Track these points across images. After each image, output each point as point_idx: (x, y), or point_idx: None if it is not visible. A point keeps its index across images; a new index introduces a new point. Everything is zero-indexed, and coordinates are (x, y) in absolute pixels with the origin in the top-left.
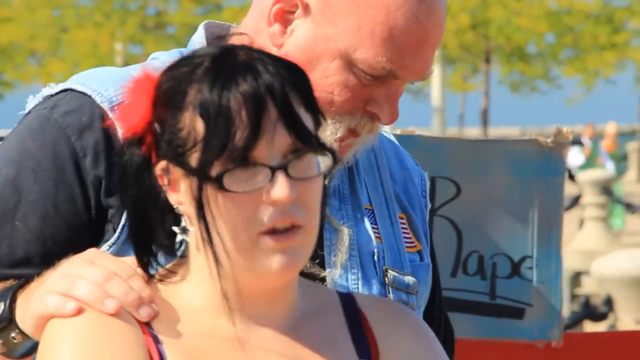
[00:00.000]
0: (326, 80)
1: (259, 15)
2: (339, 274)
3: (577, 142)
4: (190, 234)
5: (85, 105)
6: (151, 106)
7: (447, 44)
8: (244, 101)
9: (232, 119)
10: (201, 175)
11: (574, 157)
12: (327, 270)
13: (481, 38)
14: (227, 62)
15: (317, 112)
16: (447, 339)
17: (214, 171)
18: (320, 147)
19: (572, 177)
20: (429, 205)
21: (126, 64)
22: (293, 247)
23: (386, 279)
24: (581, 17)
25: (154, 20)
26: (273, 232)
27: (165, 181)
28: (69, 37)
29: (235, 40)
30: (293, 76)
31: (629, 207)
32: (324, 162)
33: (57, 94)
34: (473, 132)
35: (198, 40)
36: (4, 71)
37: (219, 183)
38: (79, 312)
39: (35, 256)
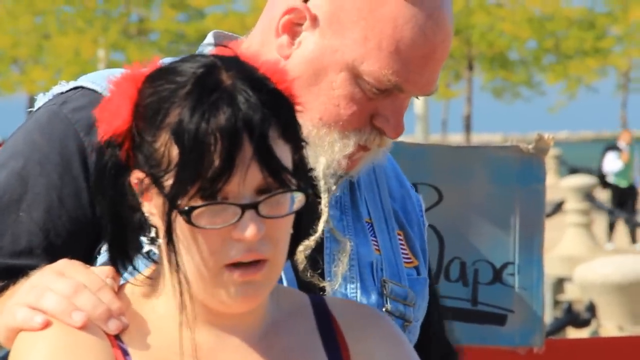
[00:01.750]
0: (332, 93)
1: (266, 26)
2: (339, 284)
3: (613, 147)
4: (158, 245)
5: (95, 102)
6: (131, 114)
7: None
8: (220, 136)
9: (206, 153)
10: (171, 204)
11: (611, 162)
12: (327, 280)
13: (464, 44)
14: (208, 87)
15: (298, 141)
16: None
17: (184, 202)
18: (295, 186)
19: (606, 184)
20: (426, 224)
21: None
22: (257, 280)
23: (384, 290)
24: (564, 23)
25: (137, 27)
26: (237, 264)
27: (139, 190)
28: (51, 44)
29: (221, 51)
30: (276, 105)
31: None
32: (298, 199)
33: (67, 91)
34: (456, 138)
35: (208, 50)
36: None
37: (187, 217)
38: (47, 325)
39: (37, 247)
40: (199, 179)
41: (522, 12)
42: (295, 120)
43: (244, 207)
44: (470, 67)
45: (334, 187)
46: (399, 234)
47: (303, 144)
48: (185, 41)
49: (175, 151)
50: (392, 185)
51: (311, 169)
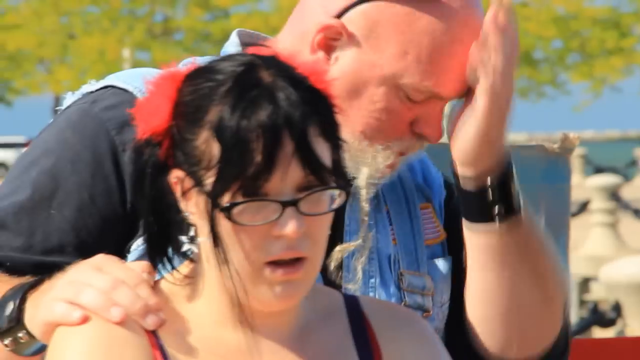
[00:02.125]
0: (373, 106)
1: (299, 37)
2: (359, 278)
3: None
4: (198, 244)
5: (126, 101)
6: (171, 113)
7: None
8: (261, 133)
9: (247, 150)
10: (213, 202)
11: None
12: (345, 273)
13: None
14: (249, 84)
15: (337, 140)
16: None
17: (225, 199)
18: (335, 184)
19: None
20: (444, 194)
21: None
22: (296, 279)
23: (401, 284)
24: (589, 22)
25: (161, 26)
26: (278, 262)
27: (179, 189)
28: (76, 44)
29: (259, 50)
30: (315, 103)
31: (637, 213)
32: (338, 196)
33: (97, 90)
34: None
35: (232, 46)
36: (12, 78)
37: (227, 214)
38: (85, 320)
39: (68, 245)
40: (241, 177)
41: (547, 11)
42: (335, 119)
43: (284, 204)
44: None
45: (367, 202)
46: (426, 207)
47: (342, 143)
48: (210, 40)
49: (216, 149)
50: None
51: (351, 176)
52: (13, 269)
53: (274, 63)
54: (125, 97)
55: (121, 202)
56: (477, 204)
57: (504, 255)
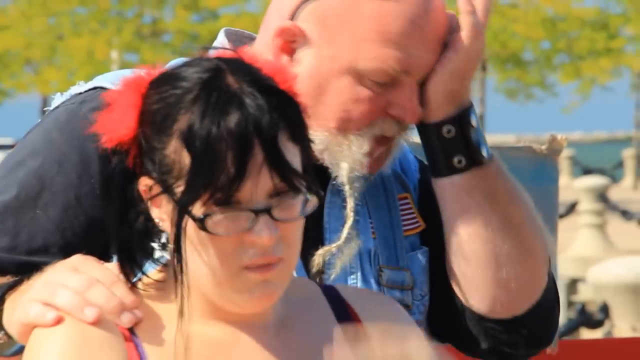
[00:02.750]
0: (340, 99)
1: (265, 44)
2: (339, 276)
3: None
4: (169, 249)
5: None
6: (137, 120)
7: None
8: (231, 142)
9: (218, 159)
10: (181, 211)
11: None
12: (327, 270)
13: None
14: (217, 92)
15: (306, 141)
16: None
17: (197, 209)
18: (305, 188)
19: None
20: (418, 176)
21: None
22: (272, 279)
23: (381, 279)
24: (577, 23)
25: (150, 28)
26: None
27: (148, 196)
28: (64, 45)
29: (223, 53)
30: (283, 107)
31: (625, 214)
32: (310, 201)
33: (86, 91)
34: None
35: (220, 46)
36: (0, 80)
37: (200, 224)
38: (59, 321)
39: (53, 246)
40: (211, 186)
41: (535, 13)
42: (302, 120)
43: (257, 212)
44: (484, 68)
45: (351, 196)
46: (404, 197)
47: (310, 143)
48: (199, 42)
49: (186, 158)
50: None
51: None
52: None
53: (239, 67)
54: None
55: None
56: (442, 155)
57: (472, 205)
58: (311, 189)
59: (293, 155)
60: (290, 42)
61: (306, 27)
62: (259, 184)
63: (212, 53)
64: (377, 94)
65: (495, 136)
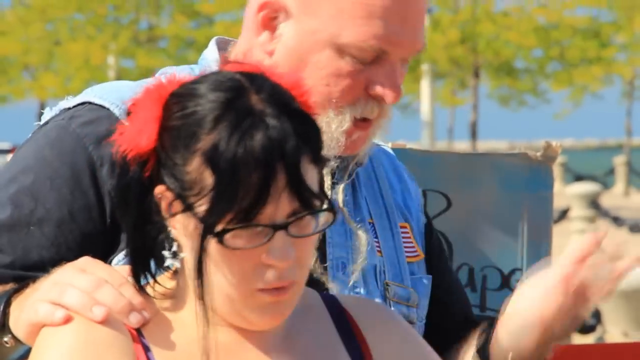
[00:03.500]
0: (320, 73)
1: (248, 29)
2: (343, 288)
3: None
4: (181, 259)
5: (103, 117)
6: (158, 133)
7: (436, 58)
8: (255, 165)
9: (243, 183)
10: (205, 230)
11: None
12: (331, 281)
13: (470, 52)
14: (241, 113)
15: (323, 162)
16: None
17: (218, 227)
18: (322, 208)
19: None
20: (424, 219)
21: (118, 77)
22: (284, 300)
23: (387, 293)
24: (569, 31)
25: (146, 34)
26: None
27: (164, 206)
28: (61, 51)
29: (243, 67)
30: (305, 131)
31: (616, 220)
32: (323, 218)
33: (74, 106)
34: (462, 145)
35: (211, 57)
36: None
37: (219, 239)
38: (68, 320)
39: (48, 261)
40: (235, 207)
41: (528, 21)
42: (322, 143)
43: (275, 228)
44: (477, 75)
45: (341, 183)
46: (404, 227)
47: (326, 162)
48: (195, 48)
49: (209, 177)
50: (391, 178)
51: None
52: None
53: (261, 85)
54: (101, 112)
55: (101, 217)
56: None
57: None
58: (327, 208)
59: (312, 177)
60: (272, 17)
61: (288, 1)
62: (279, 207)
63: (207, 62)
64: (359, 71)
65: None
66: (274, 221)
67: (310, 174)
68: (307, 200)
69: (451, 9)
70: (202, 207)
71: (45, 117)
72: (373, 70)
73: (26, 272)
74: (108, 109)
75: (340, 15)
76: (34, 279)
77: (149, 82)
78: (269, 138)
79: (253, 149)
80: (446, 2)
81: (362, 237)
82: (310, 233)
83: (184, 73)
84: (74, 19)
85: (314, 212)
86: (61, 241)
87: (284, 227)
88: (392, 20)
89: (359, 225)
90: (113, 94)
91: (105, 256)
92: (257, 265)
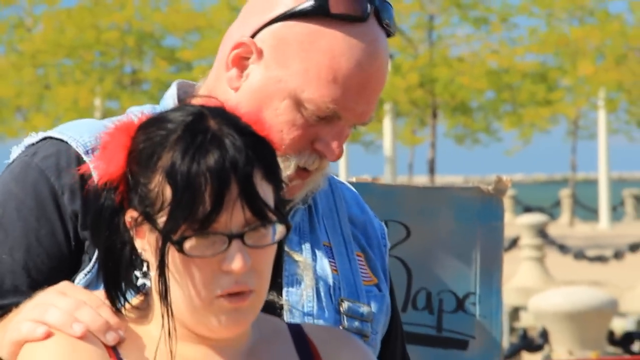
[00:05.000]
0: (277, 119)
1: (220, 63)
2: (297, 302)
3: None
4: (150, 278)
5: (62, 150)
6: (126, 160)
7: (397, 99)
8: (210, 177)
9: (198, 193)
10: (165, 238)
11: None
12: (285, 299)
13: (428, 94)
14: (198, 132)
15: (278, 181)
16: None
17: (176, 235)
18: (276, 219)
19: None
20: (388, 246)
21: (104, 117)
22: (243, 308)
23: (341, 308)
24: (519, 75)
25: (130, 77)
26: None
27: (133, 228)
28: (51, 94)
29: (207, 102)
30: (258, 148)
31: (562, 248)
32: (279, 230)
33: (37, 142)
34: (421, 179)
35: (169, 97)
36: None
37: (179, 247)
38: (49, 335)
39: (22, 285)
40: (191, 217)
41: (481, 66)
42: (277, 164)
43: (230, 237)
44: (434, 115)
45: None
46: (359, 256)
47: (283, 184)
48: None
49: (168, 191)
50: (353, 212)
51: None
52: None
53: (220, 113)
54: (61, 146)
55: (65, 240)
56: None
57: None
58: (281, 221)
59: (266, 191)
60: (245, 57)
61: (263, 46)
62: (233, 215)
63: (167, 101)
64: (310, 125)
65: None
66: (229, 230)
67: (263, 189)
68: (260, 212)
69: (411, 55)
70: (162, 219)
71: (13, 156)
72: (323, 128)
73: (3, 301)
74: (67, 143)
75: (306, 73)
76: (15, 305)
77: (108, 120)
78: (223, 153)
79: (208, 162)
80: (406, 49)
81: (301, 260)
82: (265, 244)
83: (148, 111)
84: (63, 64)
85: (266, 223)
86: (31, 265)
87: (239, 236)
88: (352, 90)
89: (307, 252)
90: (72, 129)
91: (71, 275)
92: (215, 272)
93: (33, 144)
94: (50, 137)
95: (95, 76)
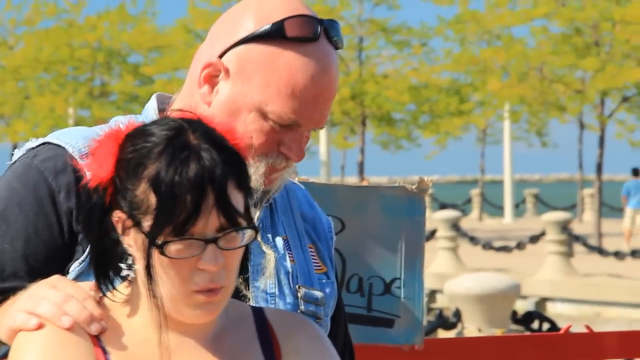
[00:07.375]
0: (246, 128)
1: (192, 80)
2: (261, 289)
3: None
4: (134, 270)
5: (59, 154)
6: (114, 166)
7: (332, 110)
8: (189, 187)
9: (179, 202)
10: (150, 243)
11: None
12: (253, 284)
13: (358, 106)
14: (180, 146)
15: (248, 189)
16: (347, 347)
17: (159, 239)
18: (246, 226)
19: None
20: (334, 238)
21: (77, 124)
22: (216, 301)
23: (298, 294)
24: (436, 90)
25: (100, 89)
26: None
27: (120, 226)
28: (31, 103)
29: (185, 115)
30: (232, 162)
31: (472, 240)
32: (248, 234)
33: (37, 146)
34: (352, 180)
35: (150, 108)
36: None
37: (161, 250)
38: (40, 326)
39: (20, 271)
40: (172, 222)
41: (403, 81)
42: (247, 174)
43: (206, 241)
44: (364, 124)
45: (258, 209)
46: (310, 248)
47: (252, 191)
48: (138, 101)
49: (153, 198)
50: (304, 209)
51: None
52: None
53: (198, 127)
54: (58, 151)
55: (60, 233)
56: None
57: None
58: (250, 226)
59: (238, 199)
60: (214, 75)
61: (229, 65)
62: (209, 221)
63: (149, 112)
64: (275, 132)
65: (372, 178)
66: (205, 235)
67: (236, 197)
68: (232, 218)
69: (343, 72)
70: (147, 222)
71: (15, 157)
72: (286, 134)
73: (3, 284)
74: (64, 148)
75: (267, 88)
76: (14, 291)
77: (99, 127)
78: (201, 166)
79: (188, 174)
80: (339, 66)
81: (269, 252)
82: (236, 247)
83: (131, 121)
84: (41, 77)
85: (238, 229)
86: (29, 254)
87: (214, 240)
88: (309, 101)
89: (270, 244)
90: (68, 136)
91: (65, 264)
92: (193, 270)
93: (33, 148)
94: (49, 143)
95: (69, 88)
